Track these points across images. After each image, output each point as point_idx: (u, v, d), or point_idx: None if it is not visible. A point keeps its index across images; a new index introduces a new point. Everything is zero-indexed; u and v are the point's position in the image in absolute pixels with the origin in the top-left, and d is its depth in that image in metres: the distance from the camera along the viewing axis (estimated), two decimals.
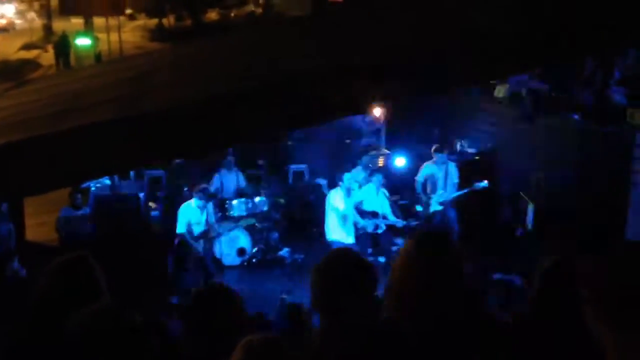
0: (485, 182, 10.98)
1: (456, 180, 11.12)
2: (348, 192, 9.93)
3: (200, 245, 10.00)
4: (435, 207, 11.09)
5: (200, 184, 10.36)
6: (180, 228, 9.85)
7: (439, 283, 2.76)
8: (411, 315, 2.73)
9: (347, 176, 9.97)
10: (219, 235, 10.72)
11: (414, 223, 11.13)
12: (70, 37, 28.00)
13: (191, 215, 10.00)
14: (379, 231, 10.69)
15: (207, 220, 10.15)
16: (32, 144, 6.25)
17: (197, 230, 10.02)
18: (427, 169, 11.22)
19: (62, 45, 28.01)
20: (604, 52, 10.02)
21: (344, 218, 10.00)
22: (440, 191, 11.07)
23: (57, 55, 27.99)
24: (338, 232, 10.02)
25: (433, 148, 11.31)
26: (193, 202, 10.02)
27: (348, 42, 7.55)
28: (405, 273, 2.83)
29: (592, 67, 10.83)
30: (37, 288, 3.16)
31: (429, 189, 11.19)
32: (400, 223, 10.65)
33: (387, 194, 11.08)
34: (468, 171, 11.63)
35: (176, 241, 9.92)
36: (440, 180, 11.08)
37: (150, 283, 8.07)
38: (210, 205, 10.40)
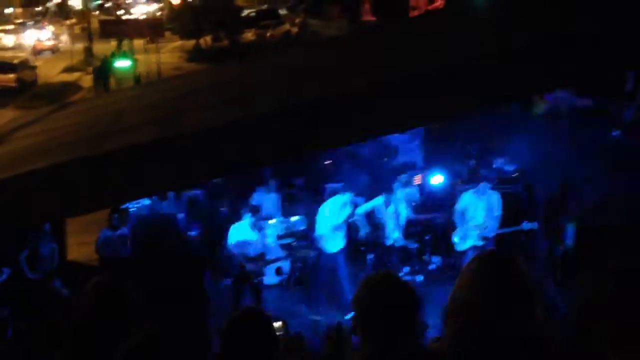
0: (535, 223, 10.81)
1: (499, 213, 10.65)
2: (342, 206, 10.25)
3: (252, 267, 9.98)
4: (474, 240, 10.63)
5: (249, 204, 10.48)
6: (232, 248, 9.91)
7: (507, 303, 2.71)
8: (476, 334, 2.69)
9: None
10: (278, 259, 10.78)
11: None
12: (110, 59, 28.49)
13: (244, 235, 10.01)
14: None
15: (262, 242, 10.17)
16: (74, 165, 6.34)
17: (252, 251, 10.04)
18: (467, 198, 10.77)
19: (103, 70, 28.44)
20: None
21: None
22: (480, 222, 10.59)
23: (97, 79, 28.40)
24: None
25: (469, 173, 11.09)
26: (246, 222, 10.05)
27: (390, 59, 7.56)
28: (473, 291, 2.79)
29: (634, 82, 10.69)
30: (79, 308, 3.19)
31: (468, 219, 10.69)
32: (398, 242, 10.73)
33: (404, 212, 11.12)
34: (512, 203, 11.54)
35: (226, 261, 9.99)
36: (481, 210, 10.62)
37: (188, 304, 8.10)
38: (266, 225, 10.49)
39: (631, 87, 10.86)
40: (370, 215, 11.42)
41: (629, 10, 6.37)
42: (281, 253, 11.13)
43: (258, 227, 10.05)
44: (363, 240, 11.53)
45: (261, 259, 10.14)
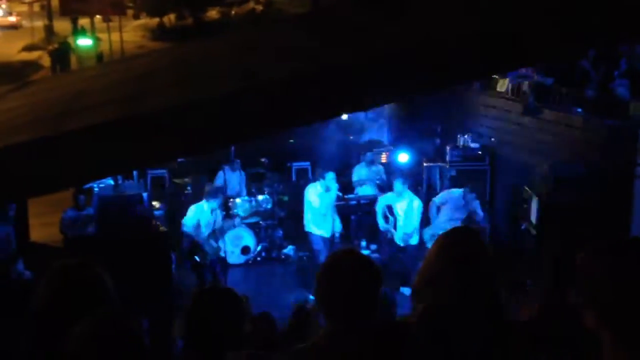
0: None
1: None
2: (327, 189, 10.05)
3: (209, 247, 9.99)
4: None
5: (211, 185, 10.43)
6: (189, 228, 9.88)
7: (470, 277, 2.75)
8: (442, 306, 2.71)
9: (329, 175, 10.06)
10: (223, 235, 10.67)
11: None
12: (71, 38, 27.97)
13: (202, 216, 10.03)
14: None
15: (215, 222, 10.18)
16: (35, 145, 6.22)
17: (206, 231, 10.04)
18: (445, 195, 10.84)
19: (61, 53, 27.75)
20: (599, 45, 9.98)
21: (321, 214, 10.19)
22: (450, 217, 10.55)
23: (54, 62, 27.63)
24: (315, 226, 10.33)
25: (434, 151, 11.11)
26: (205, 204, 10.06)
27: (351, 41, 7.51)
28: (437, 266, 2.82)
29: (592, 60, 10.79)
30: (38, 295, 3.10)
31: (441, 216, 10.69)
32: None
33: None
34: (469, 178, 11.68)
35: (186, 243, 9.97)
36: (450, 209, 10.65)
37: (154, 284, 8.05)
38: (219, 210, 10.44)
39: (589, 65, 10.95)
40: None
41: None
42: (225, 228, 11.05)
43: (215, 209, 10.09)
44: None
45: (214, 234, 10.14)
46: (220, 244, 10.60)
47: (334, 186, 10.27)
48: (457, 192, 10.76)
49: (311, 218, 10.36)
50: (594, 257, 2.15)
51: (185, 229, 9.87)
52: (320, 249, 10.29)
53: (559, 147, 10.90)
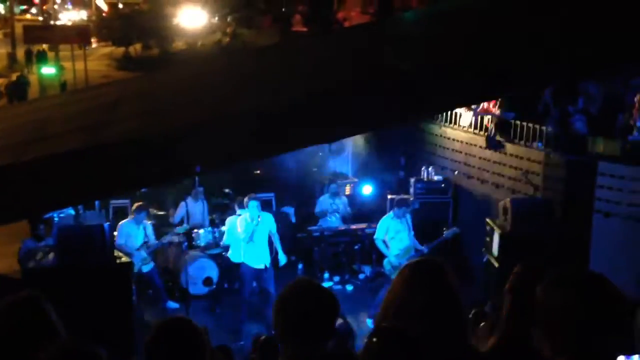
0: (455, 228, 11.05)
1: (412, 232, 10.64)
2: (252, 218, 9.96)
3: (136, 259, 10.17)
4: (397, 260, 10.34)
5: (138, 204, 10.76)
6: (119, 241, 10.18)
7: (437, 307, 2.78)
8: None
9: (252, 204, 9.97)
10: (152, 247, 10.89)
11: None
12: (35, 66, 27.73)
13: (128, 229, 10.48)
14: None
15: (145, 235, 10.66)
16: None
17: (134, 243, 10.42)
18: (386, 223, 10.58)
19: (18, 87, 27.24)
20: (559, 82, 10.21)
21: (248, 244, 10.07)
22: (408, 244, 10.49)
23: (11, 96, 26.98)
24: (245, 256, 10.15)
25: (395, 201, 10.91)
26: (130, 219, 10.61)
27: (313, 72, 7.59)
28: (403, 297, 2.84)
29: (550, 96, 11.01)
30: None
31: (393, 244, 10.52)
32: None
33: None
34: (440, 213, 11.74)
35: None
36: (404, 233, 10.52)
37: (115, 314, 7.95)
38: (149, 224, 10.91)
39: (546, 100, 11.17)
40: None
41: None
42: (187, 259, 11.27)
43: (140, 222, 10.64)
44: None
45: (142, 247, 10.58)
46: (183, 274, 10.56)
47: (257, 215, 10.07)
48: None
49: (241, 248, 10.24)
50: (549, 289, 2.21)
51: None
52: (247, 280, 10.17)
53: (521, 181, 11.06)
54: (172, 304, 10.82)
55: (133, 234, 10.51)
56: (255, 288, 10.41)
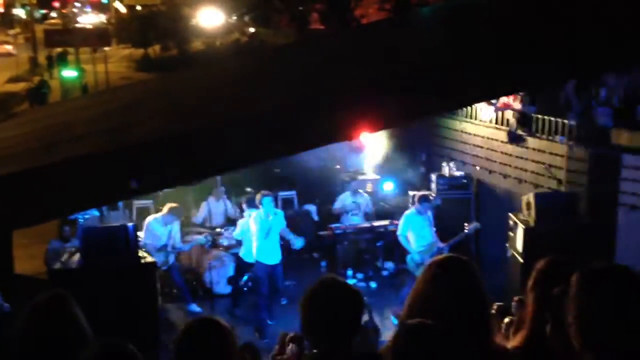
0: (477, 223, 11.00)
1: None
2: (267, 215, 9.98)
3: (159, 258, 10.09)
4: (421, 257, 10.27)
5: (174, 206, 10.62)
6: (145, 239, 10.17)
7: (462, 305, 2.78)
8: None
9: (265, 200, 9.99)
10: (174, 250, 10.78)
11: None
12: (57, 69, 27.89)
13: (154, 228, 10.37)
14: None
15: (169, 237, 10.44)
16: (21, 177, 6.24)
17: (157, 243, 10.30)
18: (409, 220, 10.49)
19: (38, 92, 27.43)
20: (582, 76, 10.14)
21: (262, 241, 10.08)
22: (431, 240, 10.43)
23: (32, 102, 27.17)
24: (259, 253, 10.16)
25: (417, 197, 10.83)
26: (159, 217, 10.49)
27: (333, 70, 7.60)
28: (428, 294, 2.84)
29: (571, 89, 10.92)
30: (17, 329, 3.13)
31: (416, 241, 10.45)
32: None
33: None
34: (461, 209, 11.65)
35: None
36: (427, 229, 10.47)
37: (139, 314, 8.00)
38: (176, 223, 10.66)
39: (568, 93, 11.08)
40: None
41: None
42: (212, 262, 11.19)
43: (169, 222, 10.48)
44: None
45: (164, 250, 10.43)
46: (206, 273, 10.59)
47: (272, 211, 10.11)
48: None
49: (255, 245, 10.26)
50: (582, 283, 2.20)
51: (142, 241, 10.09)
52: (263, 277, 10.18)
53: (543, 175, 11.00)
54: (194, 307, 10.74)
55: (158, 234, 10.43)
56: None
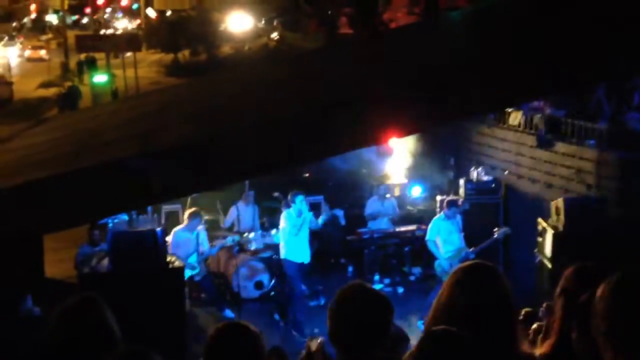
0: (507, 228, 10.92)
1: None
2: (299, 213, 10.02)
3: (191, 266, 10.08)
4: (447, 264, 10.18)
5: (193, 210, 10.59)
6: (172, 250, 10.00)
7: (488, 312, 2.76)
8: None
9: (298, 198, 10.02)
10: (203, 256, 10.75)
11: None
12: (88, 74, 28.21)
13: (179, 238, 10.28)
14: None
15: (197, 243, 10.37)
16: (52, 182, 6.31)
17: (187, 251, 10.16)
18: (437, 225, 10.47)
19: (69, 97, 27.81)
20: (611, 79, 10.02)
21: (293, 239, 10.14)
22: (459, 245, 10.40)
23: (62, 107, 27.50)
24: (289, 251, 10.23)
25: (445, 202, 10.81)
26: (183, 226, 10.42)
27: (363, 73, 7.59)
28: (454, 301, 2.82)
29: (603, 93, 10.81)
30: (47, 333, 3.15)
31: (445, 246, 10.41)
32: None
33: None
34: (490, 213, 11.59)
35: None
36: (455, 234, 10.44)
37: (167, 319, 8.04)
38: (202, 229, 10.66)
39: (598, 98, 10.96)
40: None
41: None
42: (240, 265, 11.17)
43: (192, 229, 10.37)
44: None
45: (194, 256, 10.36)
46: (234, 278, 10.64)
47: (305, 209, 10.21)
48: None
49: (284, 244, 10.33)
50: (613, 291, 2.16)
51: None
52: (294, 275, 10.21)
53: (573, 180, 10.89)
54: (229, 313, 10.76)
55: (185, 242, 10.36)
56: (305, 290, 10.51)
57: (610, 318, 2.12)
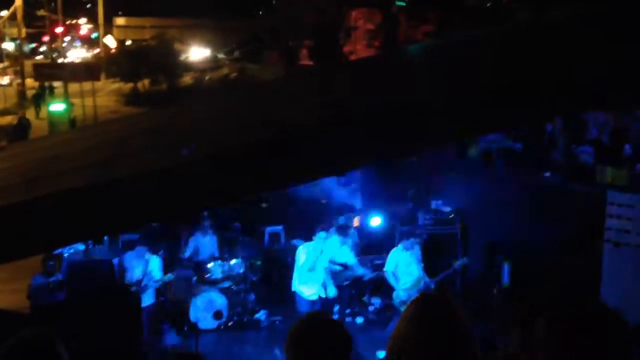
0: (465, 259, 11.00)
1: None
2: (319, 250, 10.07)
3: (146, 295, 10.00)
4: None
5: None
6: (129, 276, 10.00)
7: (445, 343, 2.75)
8: None
9: (320, 235, 10.08)
10: (147, 288, 10.45)
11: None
12: (46, 103, 27.92)
13: (127, 262, 10.18)
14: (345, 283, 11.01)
15: (144, 270, 10.20)
16: (5, 211, 6.20)
17: (131, 276, 10.05)
18: (396, 256, 10.49)
19: (18, 131, 27.38)
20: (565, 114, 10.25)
21: (307, 274, 10.14)
22: (417, 275, 10.37)
23: (12, 139, 27.01)
24: (302, 286, 10.27)
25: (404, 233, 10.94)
26: (132, 252, 10.36)
27: (320, 102, 7.63)
28: (410, 333, 2.81)
29: (557, 127, 11.06)
30: None
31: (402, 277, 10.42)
32: (368, 274, 10.60)
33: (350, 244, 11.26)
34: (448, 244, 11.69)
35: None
36: (414, 265, 10.43)
37: (125, 347, 7.94)
38: (154, 257, 10.49)
39: (550, 131, 11.22)
40: None
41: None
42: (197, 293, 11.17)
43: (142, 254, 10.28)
44: None
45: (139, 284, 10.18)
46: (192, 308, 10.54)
47: (322, 246, 10.23)
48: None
49: (298, 277, 10.30)
50: (554, 322, 2.19)
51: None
52: (304, 312, 10.16)
53: (529, 211, 11.04)
54: (173, 339, 10.62)
55: (131, 267, 10.18)
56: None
57: (548, 355, 2.15)
